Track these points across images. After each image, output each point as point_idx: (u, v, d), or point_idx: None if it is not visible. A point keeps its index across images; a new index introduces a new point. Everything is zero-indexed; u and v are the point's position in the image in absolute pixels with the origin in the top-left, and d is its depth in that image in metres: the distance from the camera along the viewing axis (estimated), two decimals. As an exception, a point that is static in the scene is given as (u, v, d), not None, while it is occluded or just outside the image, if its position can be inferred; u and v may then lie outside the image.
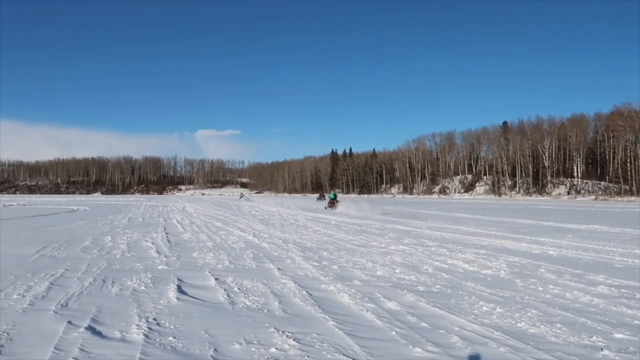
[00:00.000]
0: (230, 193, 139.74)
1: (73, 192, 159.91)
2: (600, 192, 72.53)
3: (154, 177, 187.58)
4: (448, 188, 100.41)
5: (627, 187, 68.63)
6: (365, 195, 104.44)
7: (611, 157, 76.76)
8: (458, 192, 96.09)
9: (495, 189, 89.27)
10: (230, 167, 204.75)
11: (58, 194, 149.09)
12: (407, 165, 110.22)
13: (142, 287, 6.22)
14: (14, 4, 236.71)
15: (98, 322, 4.57)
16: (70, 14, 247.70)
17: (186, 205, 41.15)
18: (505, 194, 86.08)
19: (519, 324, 4.57)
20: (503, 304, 5.37)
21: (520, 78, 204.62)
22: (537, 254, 9.51)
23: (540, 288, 6.24)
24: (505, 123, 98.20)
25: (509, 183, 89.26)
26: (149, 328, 4.39)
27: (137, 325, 4.46)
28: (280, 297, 5.68)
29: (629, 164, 70.04)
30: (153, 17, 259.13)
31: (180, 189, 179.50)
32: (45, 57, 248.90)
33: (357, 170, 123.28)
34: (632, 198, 60.10)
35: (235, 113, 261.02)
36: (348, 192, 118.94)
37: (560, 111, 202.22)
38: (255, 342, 4.05)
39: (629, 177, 69.22)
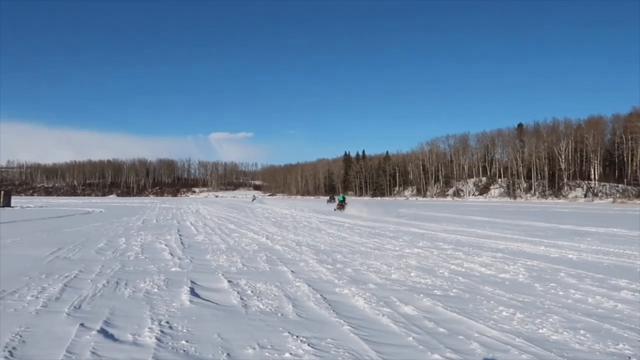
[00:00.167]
0: (244, 195, 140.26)
1: (89, 194, 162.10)
2: (618, 195, 71.25)
3: (168, 180, 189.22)
4: (462, 191, 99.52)
5: (646, 190, 67.32)
6: (378, 198, 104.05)
7: (629, 159, 75.41)
8: (472, 195, 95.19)
9: (510, 192, 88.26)
10: (243, 169, 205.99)
11: (74, 195, 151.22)
12: (421, 167, 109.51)
13: (155, 290, 6.18)
14: (30, 8, 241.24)
15: (110, 324, 4.53)
16: (85, 18, 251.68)
17: (200, 208, 41.35)
18: (521, 196, 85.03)
19: (540, 330, 4.42)
20: (523, 309, 5.21)
21: (535, 80, 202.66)
22: (556, 258, 9.29)
23: (561, 293, 6.06)
24: (520, 125, 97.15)
25: (524, 186, 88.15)
26: (162, 331, 4.33)
27: (149, 328, 4.41)
28: (294, 301, 5.60)
29: (647, 166, 68.73)
30: (167, 20, 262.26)
31: (194, 191, 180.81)
32: (62, 62, 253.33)
33: (370, 172, 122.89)
34: (652, 201, 58.88)
35: (248, 116, 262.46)
36: (361, 195, 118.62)
37: (577, 113, 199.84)
38: (268, 346, 3.96)
39: (648, 179, 67.92)
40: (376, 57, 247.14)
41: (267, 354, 3.79)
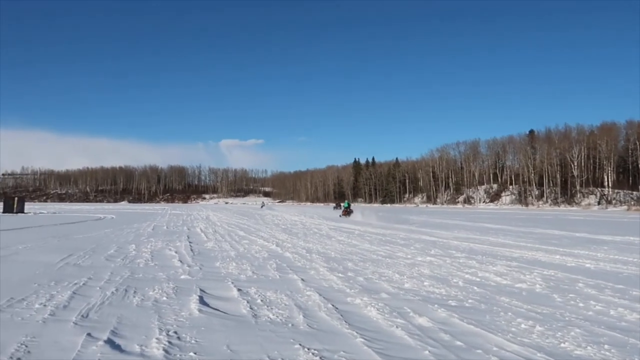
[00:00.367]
0: (253, 202, 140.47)
1: (101, 201, 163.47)
2: (632, 202, 70.12)
3: (179, 186, 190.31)
4: (473, 198, 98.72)
5: (662, 197, 66.19)
6: (388, 205, 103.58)
7: (644, 166, 74.25)
8: (483, 202, 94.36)
9: (522, 199, 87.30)
10: (253, 176, 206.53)
11: (86, 202, 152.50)
12: (431, 174, 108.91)
13: (164, 298, 6.08)
14: (46, 16, 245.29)
15: (118, 334, 4.43)
16: (95, 28, 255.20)
17: (210, 214, 41.40)
18: (532, 203, 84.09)
19: (562, 344, 4.23)
20: (542, 321, 5.02)
21: (546, 85, 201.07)
22: (573, 267, 9.05)
23: (581, 304, 5.85)
24: (531, 131, 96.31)
25: (536, 193, 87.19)
26: (169, 342, 4.21)
27: (157, 339, 4.30)
28: (304, 311, 5.46)
29: (663, 173, 67.62)
30: (178, 29, 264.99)
31: (205, 198, 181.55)
32: (76, 71, 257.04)
33: (380, 179, 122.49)
34: (667, 208, 57.87)
35: (258, 123, 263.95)
36: (371, 202, 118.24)
37: (589, 119, 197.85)
38: (279, 359, 3.83)
39: (664, 186, 66.80)
40: (386, 64, 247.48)
41: (277, 367, 3.66)
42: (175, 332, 4.52)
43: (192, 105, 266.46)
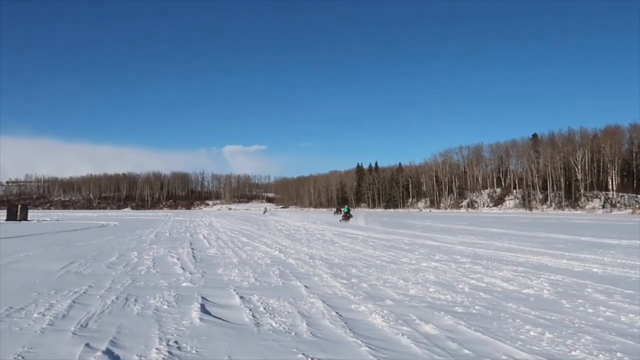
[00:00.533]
0: (257, 208, 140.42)
1: (104, 207, 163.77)
2: (637, 206, 69.68)
3: (182, 192, 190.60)
4: (476, 202, 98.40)
5: (667, 200, 65.78)
6: (391, 210, 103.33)
7: (648, 169, 73.88)
8: (487, 206, 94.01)
9: (526, 203, 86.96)
10: (256, 182, 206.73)
11: (90, 209, 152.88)
12: (434, 179, 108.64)
13: (165, 306, 5.98)
14: (48, 25, 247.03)
15: (117, 344, 4.33)
16: (98, 35, 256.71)
17: (213, 220, 41.32)
18: (536, 207, 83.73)
19: (573, 352, 4.11)
20: (552, 328, 4.89)
21: (549, 89, 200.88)
22: (580, 272, 8.91)
23: (590, 310, 5.72)
24: (535, 135, 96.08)
25: (540, 197, 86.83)
26: (169, 352, 4.11)
27: (157, 349, 4.20)
28: (308, 319, 5.35)
29: (668, 176, 67.24)
30: (181, 35, 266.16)
31: (208, 204, 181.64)
32: (79, 79, 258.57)
33: (383, 184, 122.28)
34: (673, 211, 57.47)
35: (261, 129, 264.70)
36: (374, 207, 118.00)
37: (593, 122, 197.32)
38: (282, 369, 3.72)
39: (669, 189, 66.40)
40: (388, 69, 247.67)
41: (280, 378, 3.55)
42: (176, 342, 4.42)
43: (195, 111, 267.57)
